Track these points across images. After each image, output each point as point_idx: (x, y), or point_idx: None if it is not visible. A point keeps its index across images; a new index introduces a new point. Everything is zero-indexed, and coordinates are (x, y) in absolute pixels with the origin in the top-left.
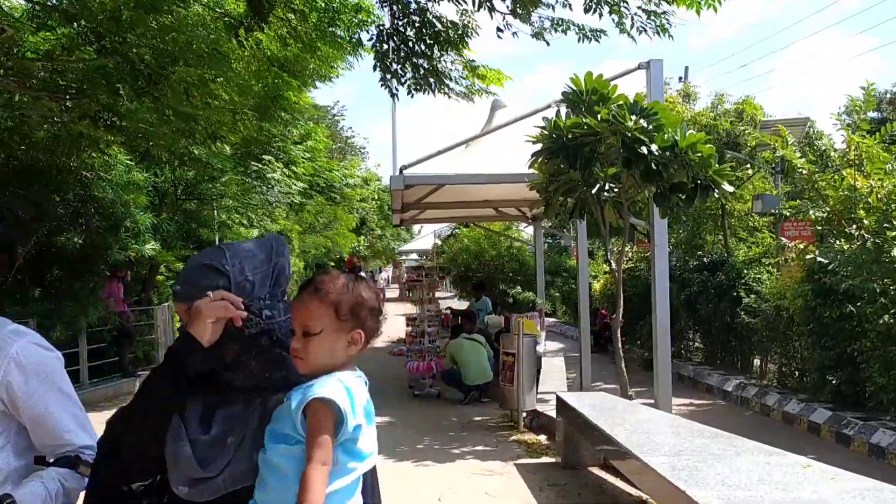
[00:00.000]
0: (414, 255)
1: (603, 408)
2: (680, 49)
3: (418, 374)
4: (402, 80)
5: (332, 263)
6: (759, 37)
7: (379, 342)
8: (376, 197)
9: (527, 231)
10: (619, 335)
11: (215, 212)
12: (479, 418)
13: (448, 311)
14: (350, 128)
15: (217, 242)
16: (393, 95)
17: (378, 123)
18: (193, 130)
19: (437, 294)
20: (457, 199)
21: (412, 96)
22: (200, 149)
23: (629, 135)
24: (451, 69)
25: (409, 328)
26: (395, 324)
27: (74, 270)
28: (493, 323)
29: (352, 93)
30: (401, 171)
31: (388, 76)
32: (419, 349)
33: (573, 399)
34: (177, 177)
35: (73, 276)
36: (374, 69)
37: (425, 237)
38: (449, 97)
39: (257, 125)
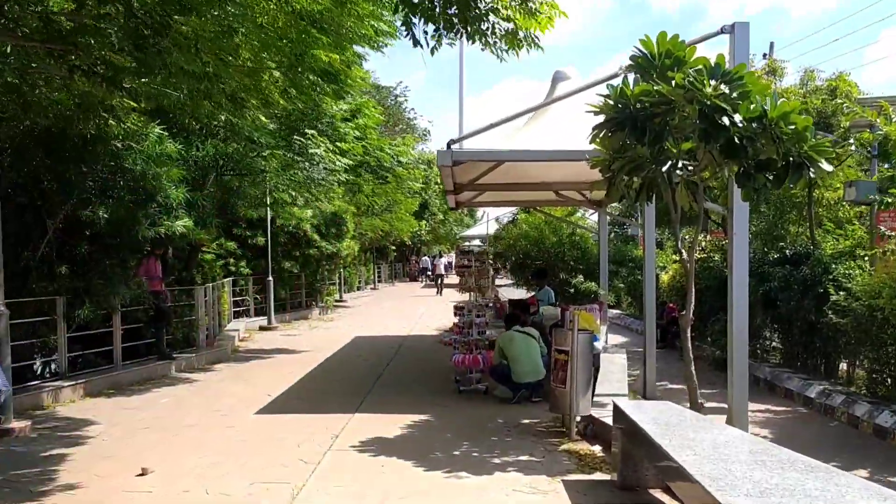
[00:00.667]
0: (477, 241)
1: (668, 422)
2: (761, 30)
3: (465, 368)
4: (430, 15)
5: (394, 248)
6: (850, 11)
7: (431, 329)
8: (439, 181)
9: (591, 218)
10: (688, 334)
11: (268, 189)
12: (527, 421)
13: (505, 301)
14: (412, 109)
15: (269, 222)
16: (417, 43)
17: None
18: (210, 92)
19: (496, 282)
20: (514, 181)
21: (439, 45)
22: (243, 121)
23: (708, 103)
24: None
25: (457, 318)
26: (450, 309)
27: (106, 246)
28: (549, 315)
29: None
30: (448, 146)
31: (415, 17)
32: (466, 340)
33: (632, 408)
34: (218, 151)
35: (105, 253)
36: (396, 10)
37: (488, 222)
38: (484, 42)
39: (283, 87)
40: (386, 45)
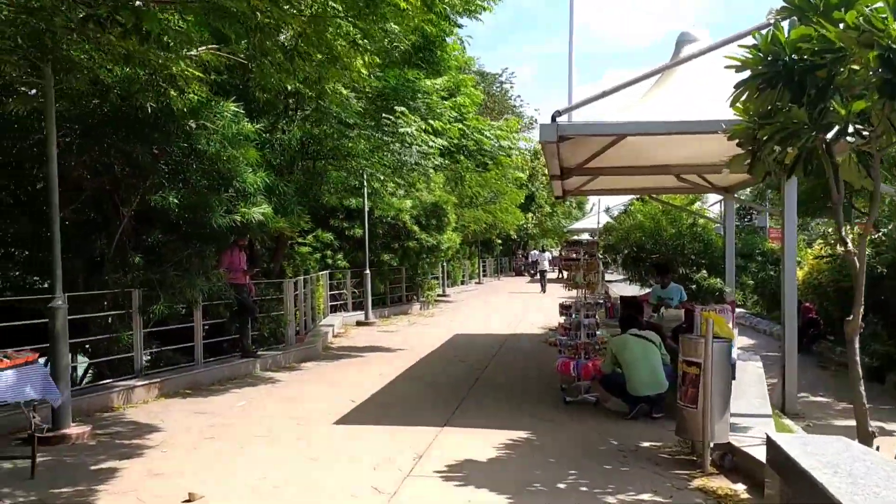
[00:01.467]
0: (585, 235)
1: (851, 472)
2: None
3: (571, 376)
4: None
5: (499, 242)
6: None
7: (535, 327)
8: (546, 171)
9: (712, 209)
10: (856, 346)
11: (361, 175)
12: (647, 444)
13: (616, 298)
14: (518, 96)
15: (366, 213)
16: None
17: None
18: (264, 47)
19: (605, 277)
20: (629, 164)
21: None
22: (327, 98)
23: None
24: None
25: (563, 318)
26: (556, 306)
27: (184, 236)
28: (669, 316)
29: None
30: (553, 119)
31: None
32: (573, 344)
33: (799, 450)
34: (304, 134)
35: (181, 243)
36: None
37: (597, 215)
38: None
39: (360, 47)
40: (484, 10)
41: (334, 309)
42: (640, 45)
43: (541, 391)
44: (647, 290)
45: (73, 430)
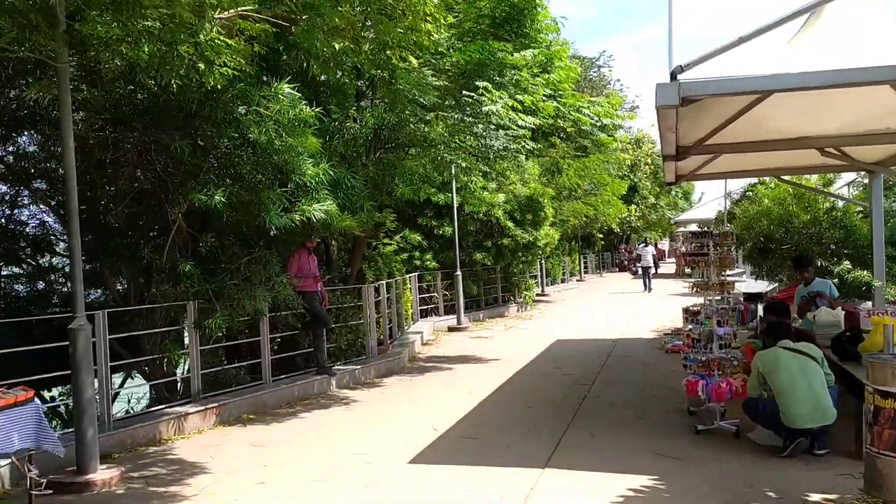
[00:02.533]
0: (693, 227)
1: None
2: None
3: (702, 398)
4: None
5: (601, 235)
6: None
7: (647, 330)
8: (650, 161)
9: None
10: None
11: (446, 168)
12: (816, 497)
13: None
14: (618, 80)
15: (455, 209)
16: None
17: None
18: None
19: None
20: (761, 139)
21: None
22: (401, 74)
23: None
24: None
25: (689, 325)
26: (667, 305)
27: (242, 239)
28: (825, 322)
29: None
30: (673, 77)
31: None
32: (704, 360)
33: None
34: (378, 121)
35: (241, 248)
36: None
37: (706, 205)
38: None
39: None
40: None
41: (424, 314)
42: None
43: (663, 415)
44: (773, 286)
45: (100, 474)
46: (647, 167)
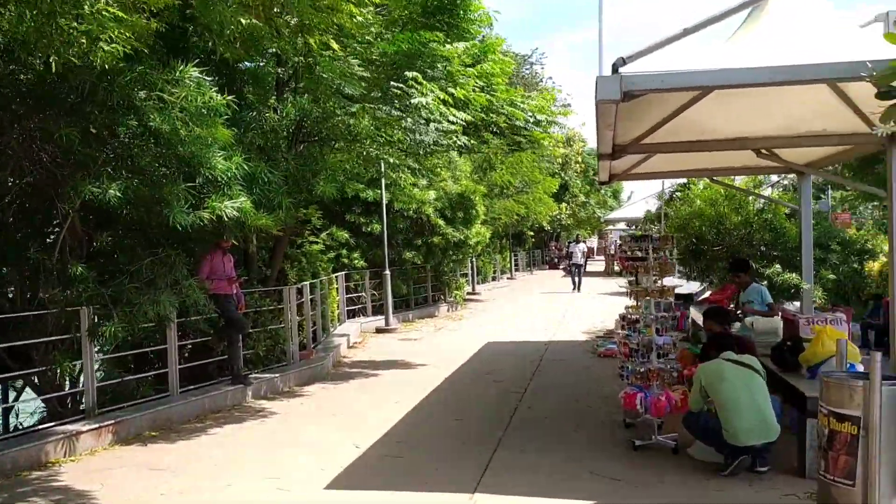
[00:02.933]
0: (622, 225)
1: None
2: None
3: (639, 411)
4: None
5: (531, 234)
6: None
7: (578, 332)
8: (580, 160)
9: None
10: None
11: (382, 165)
12: None
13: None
14: (550, 78)
15: (384, 206)
16: None
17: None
18: None
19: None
20: (698, 138)
21: None
22: (326, 63)
23: None
24: None
25: (625, 332)
26: (597, 305)
27: (147, 239)
28: (763, 329)
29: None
30: (615, 70)
31: None
32: (643, 371)
33: None
34: (299, 111)
35: (144, 248)
36: None
37: (635, 204)
38: None
39: None
40: None
41: (352, 314)
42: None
43: (599, 428)
44: (703, 287)
45: None
46: (577, 165)
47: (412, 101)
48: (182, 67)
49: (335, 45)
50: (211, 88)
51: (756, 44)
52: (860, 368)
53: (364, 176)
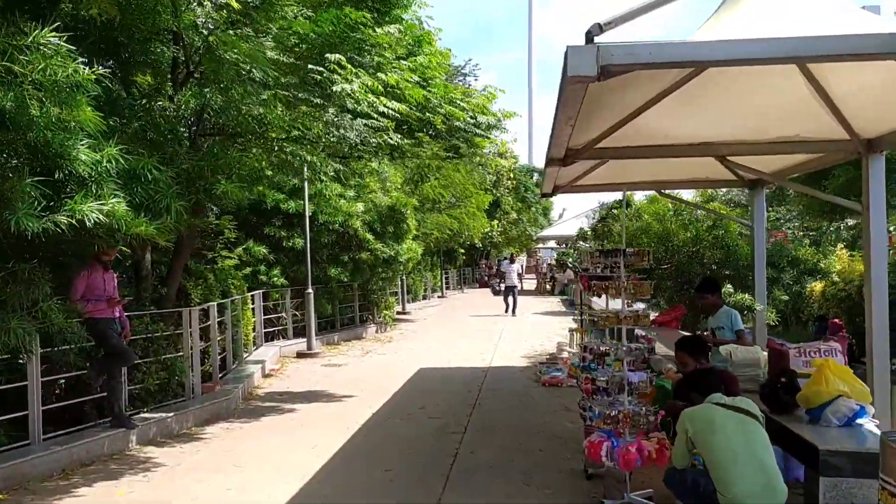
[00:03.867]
0: (552, 243)
1: None
2: None
3: (602, 462)
4: None
5: (462, 251)
6: None
7: (517, 355)
8: (512, 176)
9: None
10: None
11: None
12: None
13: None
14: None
15: (307, 218)
16: None
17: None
18: None
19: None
20: (657, 143)
21: None
22: (228, 41)
23: None
24: None
25: (585, 363)
26: (534, 326)
27: None
28: (743, 360)
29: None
30: (590, 40)
31: None
32: (613, 413)
33: None
34: (200, 100)
35: None
36: None
37: (566, 222)
38: None
39: None
40: None
41: (270, 337)
42: None
43: (556, 480)
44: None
45: None
46: (509, 182)
47: (334, 87)
48: (38, 32)
49: (235, 3)
50: (76, 61)
51: (744, 23)
52: (871, 412)
53: (286, 184)
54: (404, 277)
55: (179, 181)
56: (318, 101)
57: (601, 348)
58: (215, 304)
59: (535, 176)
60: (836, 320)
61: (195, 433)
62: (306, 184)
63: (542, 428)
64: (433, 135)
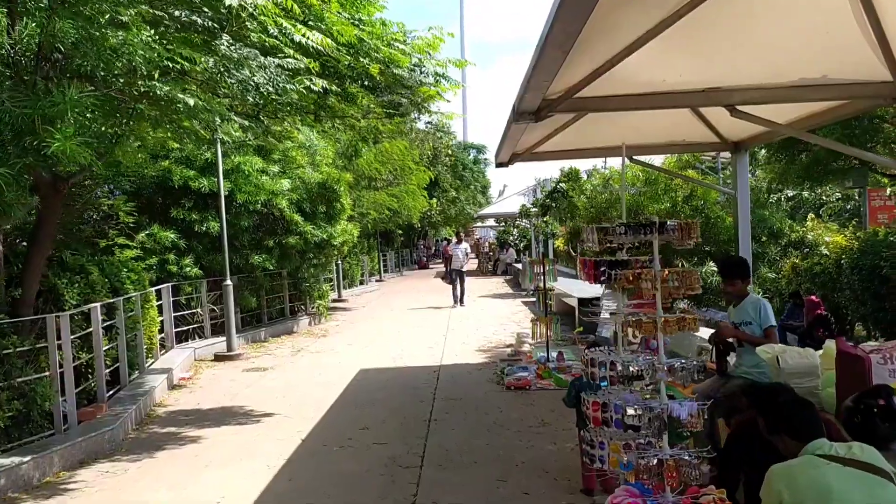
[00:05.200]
0: (490, 221)
1: None
2: None
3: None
4: None
5: (401, 232)
6: None
7: (471, 350)
8: (450, 152)
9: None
10: None
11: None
12: None
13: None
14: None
15: (222, 198)
16: None
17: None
18: None
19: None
20: (652, 90)
21: None
22: None
23: None
24: None
25: (591, 381)
26: (487, 310)
27: None
28: (796, 368)
29: None
30: None
31: None
32: (652, 463)
33: None
34: (47, 31)
35: None
36: None
37: (508, 199)
38: None
39: None
40: None
41: (186, 337)
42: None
43: None
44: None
45: None
46: (448, 158)
47: (227, 2)
48: None
49: None
50: None
51: None
52: None
53: (196, 158)
54: (340, 262)
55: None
56: (204, 22)
57: (632, 368)
58: (98, 305)
59: (473, 153)
60: (813, 297)
61: (62, 481)
62: (220, 154)
63: (519, 455)
64: (369, 86)
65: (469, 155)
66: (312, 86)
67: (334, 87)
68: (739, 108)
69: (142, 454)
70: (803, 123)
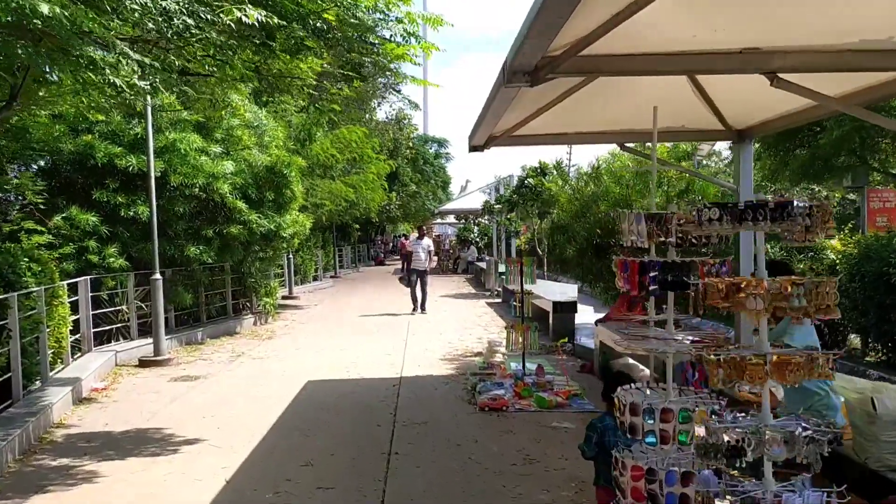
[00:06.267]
0: (451, 218)
1: None
2: None
3: None
4: None
5: (357, 226)
6: None
7: (435, 358)
8: (411, 145)
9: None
10: None
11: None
12: None
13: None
14: None
15: (152, 179)
16: None
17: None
18: None
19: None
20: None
21: None
22: None
23: None
24: None
25: (629, 438)
26: (451, 311)
27: None
28: (893, 414)
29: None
30: None
31: None
32: None
33: None
34: None
35: None
36: None
37: (471, 195)
38: None
39: None
40: None
41: (108, 338)
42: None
43: None
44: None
45: None
46: (409, 151)
47: None
48: None
49: None
50: None
51: None
52: None
53: (123, 133)
54: (291, 256)
55: None
56: None
57: (725, 437)
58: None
59: (434, 147)
60: None
61: None
62: (150, 127)
63: (492, 486)
64: (325, 42)
65: (430, 149)
66: (245, 17)
67: (276, 21)
68: (781, 76)
69: (14, 497)
70: (860, 97)
